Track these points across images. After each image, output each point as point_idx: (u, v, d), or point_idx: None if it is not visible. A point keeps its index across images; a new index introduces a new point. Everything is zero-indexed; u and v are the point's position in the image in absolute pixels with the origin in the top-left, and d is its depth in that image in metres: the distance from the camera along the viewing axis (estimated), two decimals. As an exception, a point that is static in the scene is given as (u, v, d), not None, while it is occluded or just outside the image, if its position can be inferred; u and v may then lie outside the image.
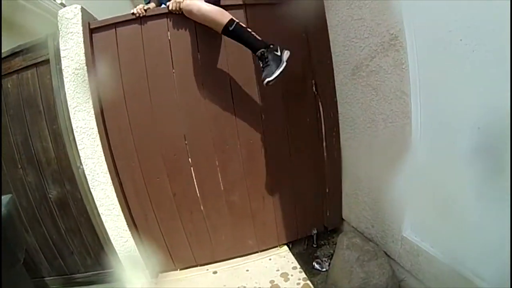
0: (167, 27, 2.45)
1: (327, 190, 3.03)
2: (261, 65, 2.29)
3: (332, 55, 2.71)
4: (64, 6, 4.20)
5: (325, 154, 2.92)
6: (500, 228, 1.62)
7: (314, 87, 2.75)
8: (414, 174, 2.17)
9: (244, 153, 2.72)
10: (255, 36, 2.28)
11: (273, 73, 2.20)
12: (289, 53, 2.33)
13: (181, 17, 2.38)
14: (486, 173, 1.69)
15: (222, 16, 2.22)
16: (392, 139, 2.27)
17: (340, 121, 2.83)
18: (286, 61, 2.27)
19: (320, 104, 2.78)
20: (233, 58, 2.54)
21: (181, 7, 2.30)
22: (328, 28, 2.68)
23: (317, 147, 2.90)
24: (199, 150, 2.63)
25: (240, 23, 2.26)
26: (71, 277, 2.89)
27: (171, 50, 2.47)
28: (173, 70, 2.48)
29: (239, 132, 2.67)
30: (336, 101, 2.79)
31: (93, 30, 2.39)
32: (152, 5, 2.55)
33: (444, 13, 1.71)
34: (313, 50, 2.71)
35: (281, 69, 2.23)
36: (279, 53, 2.27)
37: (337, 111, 2.80)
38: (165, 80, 2.49)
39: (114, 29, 2.40)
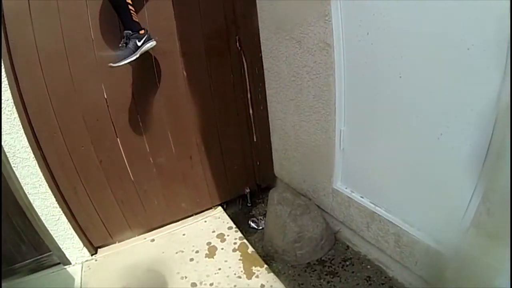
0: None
1: (256, 147, 3.08)
2: (120, 44, 2.29)
3: (258, 10, 2.70)
4: None
5: (251, 110, 2.95)
6: (429, 177, 1.75)
7: (238, 43, 2.74)
8: (341, 126, 2.26)
9: (167, 113, 2.68)
10: (132, 16, 2.24)
11: (120, 61, 2.22)
12: (152, 45, 2.32)
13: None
14: (405, 123, 1.80)
15: None
16: (317, 91, 2.31)
17: (265, 76, 2.85)
18: (141, 54, 2.29)
19: (244, 60, 2.78)
20: (153, 14, 2.45)
21: None
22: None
23: (243, 103, 2.92)
24: (122, 112, 2.56)
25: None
26: (8, 269, 2.72)
27: (89, 11, 2.33)
28: (91, 30, 2.36)
29: (162, 91, 2.63)
30: (261, 56, 2.80)
31: None
32: None
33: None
34: (238, 4, 2.68)
35: (128, 60, 2.24)
36: (140, 43, 2.27)
37: (262, 66, 2.82)
38: (82, 41, 2.36)
39: None
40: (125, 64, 2.21)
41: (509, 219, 1.21)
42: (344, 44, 2.04)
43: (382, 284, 2.24)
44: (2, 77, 2.16)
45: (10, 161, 2.33)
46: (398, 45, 1.69)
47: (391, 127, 1.91)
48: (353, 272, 2.38)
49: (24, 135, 2.31)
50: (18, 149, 2.33)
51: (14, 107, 2.24)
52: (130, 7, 2.20)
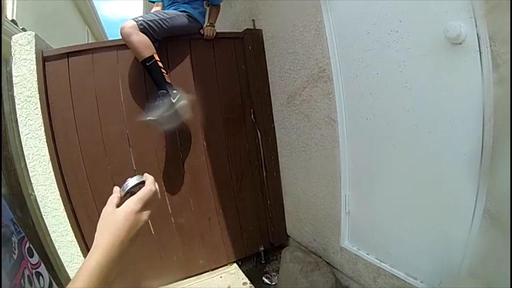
0: (116, 58, 2.65)
1: (269, 209, 3.32)
2: (155, 102, 2.56)
3: (270, 85, 3.08)
4: (16, 23, 4.07)
5: (265, 176, 3.23)
6: (428, 232, 1.91)
7: (252, 115, 3.08)
8: (346, 191, 2.48)
9: (189, 178, 2.97)
10: (165, 78, 2.56)
11: (155, 116, 2.49)
12: (184, 103, 2.63)
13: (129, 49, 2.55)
14: (404, 186, 2.01)
15: (145, 49, 2.46)
16: (323, 161, 2.58)
17: (278, 145, 3.16)
18: (175, 110, 2.58)
19: (258, 130, 3.11)
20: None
21: (120, 29, 2.49)
22: (266, 60, 3.05)
23: (257, 170, 3.21)
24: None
25: (159, 62, 2.52)
26: None
27: (120, 81, 2.69)
28: (122, 101, 2.69)
29: (184, 159, 2.94)
30: (274, 127, 3.14)
31: (46, 58, 2.48)
32: (158, 8, 2.92)
33: (360, 50, 2.07)
34: (252, 80, 3.05)
35: (163, 115, 2.51)
36: (174, 101, 2.56)
37: (275, 136, 3.14)
38: (114, 110, 2.68)
39: (66, 58, 2.54)
40: (159, 119, 2.48)
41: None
42: (347, 119, 2.32)
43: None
44: (41, 134, 2.46)
45: (41, 210, 2.55)
46: (391, 121, 1.96)
47: (390, 192, 2.12)
48: (362, 326, 2.48)
49: (56, 188, 2.54)
50: (50, 200, 2.55)
51: (50, 163, 2.51)
52: (163, 70, 2.53)
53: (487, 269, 1.53)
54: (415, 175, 1.90)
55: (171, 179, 2.92)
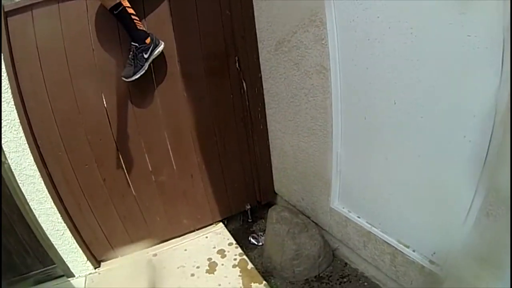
0: (86, 6, 2.47)
1: (256, 165, 3.29)
2: (128, 56, 2.48)
3: (257, 31, 2.90)
4: None
5: (251, 129, 3.16)
6: (425, 200, 1.88)
7: (237, 63, 2.94)
8: (336, 147, 2.42)
9: (169, 132, 2.89)
10: (135, 25, 2.40)
11: (130, 76, 2.45)
12: (161, 49, 2.52)
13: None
14: (401, 144, 1.94)
15: None
16: (314, 113, 2.49)
17: (265, 96, 3.06)
18: (151, 64, 2.52)
19: (243, 80, 2.99)
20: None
21: None
22: (254, 4, 2.85)
23: (242, 123, 3.13)
24: (124, 133, 2.78)
25: (128, 8, 2.35)
26: (13, 281, 2.98)
27: (91, 32, 2.53)
28: (94, 53, 2.56)
29: (163, 112, 2.84)
30: (261, 77, 3.01)
31: (7, 13, 2.35)
32: None
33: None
34: (237, 26, 2.87)
35: (139, 75, 2.48)
36: (147, 56, 2.46)
37: (262, 86, 3.03)
38: (85, 64, 2.55)
39: (30, 11, 2.39)
40: (137, 78, 2.45)
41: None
42: (340, 68, 2.19)
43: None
44: (8, 97, 2.39)
45: (17, 178, 2.54)
46: (392, 71, 1.83)
47: (386, 150, 2.05)
48: (350, 289, 2.55)
49: (30, 154, 2.52)
50: (24, 167, 2.54)
51: (21, 127, 2.45)
52: (134, 16, 2.37)
53: (484, 246, 1.53)
54: (416, 138, 1.83)
55: (149, 135, 2.86)
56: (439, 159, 1.74)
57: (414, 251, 2.01)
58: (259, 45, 2.92)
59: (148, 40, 2.45)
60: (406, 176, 1.97)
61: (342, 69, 2.18)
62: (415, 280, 2.03)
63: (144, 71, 2.47)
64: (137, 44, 2.43)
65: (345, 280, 2.63)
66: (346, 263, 2.75)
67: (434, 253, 1.89)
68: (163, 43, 2.53)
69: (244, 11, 2.85)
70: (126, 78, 2.45)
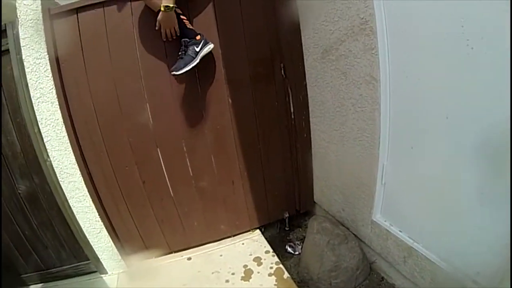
0: (130, 11, 2.51)
1: (297, 174, 3.27)
2: (179, 52, 2.50)
3: (302, 38, 2.88)
4: None
5: (295, 137, 3.14)
6: (471, 217, 1.82)
7: (282, 70, 2.92)
8: (384, 160, 2.38)
9: (211, 138, 2.91)
10: (185, 24, 2.44)
11: (181, 68, 2.44)
12: (210, 48, 2.52)
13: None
14: (451, 161, 1.88)
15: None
16: (361, 124, 2.45)
17: (309, 104, 3.04)
18: (201, 58, 2.49)
19: (288, 87, 2.97)
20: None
21: None
22: (298, 10, 2.83)
23: (286, 131, 3.11)
24: (166, 136, 2.80)
25: (177, 9, 2.38)
26: (47, 272, 3.07)
27: (136, 36, 2.56)
28: (138, 57, 2.59)
29: (206, 117, 2.85)
30: (306, 84, 2.99)
31: (53, 16, 2.39)
32: None
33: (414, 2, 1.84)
34: (282, 33, 2.86)
35: (190, 67, 2.46)
36: (198, 48, 2.46)
37: (307, 94, 3.01)
38: (130, 67, 2.59)
39: (76, 15, 2.42)
40: (188, 71, 2.44)
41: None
42: (390, 78, 2.15)
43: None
44: (53, 98, 2.46)
45: (58, 175, 2.61)
46: (445, 84, 1.77)
47: (434, 166, 2.01)
48: (385, 305, 2.51)
49: (71, 153, 2.59)
50: (66, 165, 2.61)
51: (64, 126, 2.53)
52: (182, 16, 2.41)
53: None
54: (468, 155, 1.77)
55: (192, 140, 2.87)
56: (491, 177, 1.67)
57: (456, 269, 1.93)
58: (305, 52, 2.89)
59: (198, 37, 2.47)
60: (453, 194, 1.91)
61: (392, 79, 2.14)
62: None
63: (195, 63, 2.46)
64: (187, 39, 2.46)
65: (381, 295, 2.58)
66: (383, 277, 2.71)
67: (478, 272, 1.83)
68: (212, 44, 2.54)
69: (289, 16, 2.83)
70: (177, 70, 2.44)
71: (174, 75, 2.47)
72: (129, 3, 2.50)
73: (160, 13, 2.30)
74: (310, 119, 3.08)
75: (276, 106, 3.00)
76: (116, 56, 2.55)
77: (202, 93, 2.78)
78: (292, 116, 3.07)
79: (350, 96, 2.47)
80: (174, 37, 2.45)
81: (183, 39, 2.48)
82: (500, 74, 1.47)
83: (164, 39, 2.45)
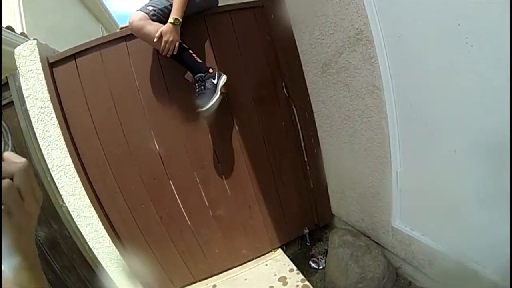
0: (126, 50, 2.57)
1: (312, 189, 3.27)
2: (197, 89, 2.49)
3: (300, 54, 2.91)
4: (26, 36, 4.15)
5: (305, 154, 3.15)
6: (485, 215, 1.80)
7: (285, 89, 2.95)
8: (397, 167, 2.37)
9: (224, 167, 2.93)
10: (195, 59, 2.46)
11: (207, 104, 2.42)
12: (225, 78, 2.53)
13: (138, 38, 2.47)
14: (464, 157, 1.85)
15: None
16: (370, 134, 2.45)
17: (316, 120, 3.05)
18: (221, 91, 2.49)
19: (293, 105, 2.99)
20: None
21: (129, 25, 2.36)
22: (292, 27, 2.85)
23: (296, 149, 3.13)
24: (178, 170, 2.82)
25: (183, 44, 2.42)
26: None
27: (134, 73, 2.61)
28: (139, 93, 2.63)
29: (215, 146, 2.88)
30: (310, 101, 3.00)
31: (52, 64, 2.47)
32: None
33: (407, 6, 1.85)
34: (280, 52, 2.89)
35: (214, 100, 2.45)
36: (215, 81, 2.47)
37: (312, 110, 3.02)
38: (133, 106, 2.63)
39: (74, 60, 2.50)
40: (213, 105, 2.43)
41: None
42: (393, 86, 2.15)
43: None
44: (61, 144, 2.49)
45: (75, 219, 2.65)
46: (450, 85, 1.76)
47: (448, 167, 1.99)
48: (416, 311, 2.49)
49: (86, 196, 2.62)
50: (82, 209, 2.64)
51: (75, 172, 2.55)
52: (190, 51, 2.43)
53: None
54: (479, 152, 1.75)
55: (204, 170, 2.89)
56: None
57: (485, 268, 1.89)
58: (304, 68, 2.92)
59: (211, 70, 2.49)
60: (471, 191, 1.88)
61: (396, 86, 2.15)
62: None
63: (218, 95, 2.45)
64: (202, 74, 2.46)
65: (411, 300, 2.57)
66: (410, 282, 2.68)
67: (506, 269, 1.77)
68: (225, 75, 2.56)
69: (284, 35, 2.86)
70: (204, 107, 2.42)
71: (201, 112, 2.44)
72: (124, 42, 2.55)
73: (167, 25, 2.28)
74: (319, 134, 3.09)
75: (283, 126, 3.02)
76: (118, 96, 2.59)
77: (209, 124, 2.81)
78: (300, 134, 3.08)
79: (356, 108, 2.48)
80: (171, 53, 2.38)
81: (198, 75, 2.47)
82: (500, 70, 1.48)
83: (161, 52, 2.37)
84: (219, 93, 2.46)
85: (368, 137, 2.48)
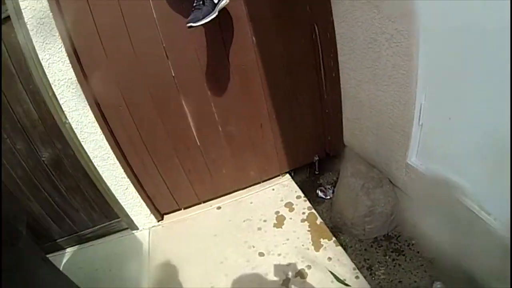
0: None
1: (327, 115, 3.15)
2: (195, 2, 2.26)
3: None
4: None
5: (322, 76, 2.97)
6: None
7: (308, 6, 2.69)
8: (421, 99, 2.22)
9: (236, 80, 2.77)
10: None
11: (199, 20, 2.20)
12: (227, 2, 2.28)
13: None
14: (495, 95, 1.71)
15: None
16: (396, 61, 2.26)
17: (337, 42, 2.82)
18: (219, 11, 2.26)
19: (315, 24, 2.75)
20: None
21: None
22: None
23: (314, 70, 2.95)
24: (188, 81, 2.66)
25: None
26: (81, 234, 3.18)
27: None
28: (151, 4, 2.38)
29: (230, 58, 2.68)
30: (333, 21, 2.75)
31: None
32: None
33: None
34: (305, -36, 2.60)
35: (208, 19, 2.23)
36: (216, 1, 2.24)
37: (334, 31, 2.78)
38: (141, 10, 2.39)
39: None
40: (205, 23, 2.23)
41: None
42: (432, 9, 1.91)
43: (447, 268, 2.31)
44: (63, 57, 2.32)
45: (79, 137, 2.57)
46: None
47: (478, 108, 1.83)
48: (418, 252, 2.49)
49: (90, 111, 2.51)
50: (85, 125, 2.55)
51: (79, 85, 2.41)
52: None
53: None
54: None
55: (216, 83, 2.74)
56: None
57: (495, 219, 1.84)
58: (330, -15, 2.65)
59: None
60: (494, 135, 1.76)
61: (434, 10, 1.90)
62: (492, 251, 1.89)
63: (214, 15, 2.25)
64: None
65: (413, 242, 2.57)
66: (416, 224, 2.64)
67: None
68: None
69: None
70: (194, 22, 2.21)
71: (191, 27, 2.22)
72: None
73: None
74: (339, 58, 2.89)
75: (303, 44, 2.80)
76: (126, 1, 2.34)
77: (223, 32, 2.58)
78: (320, 54, 2.87)
79: (384, 31, 2.26)
80: None
81: None
82: None
83: None
84: (216, 13, 2.25)
85: (394, 64, 2.29)
